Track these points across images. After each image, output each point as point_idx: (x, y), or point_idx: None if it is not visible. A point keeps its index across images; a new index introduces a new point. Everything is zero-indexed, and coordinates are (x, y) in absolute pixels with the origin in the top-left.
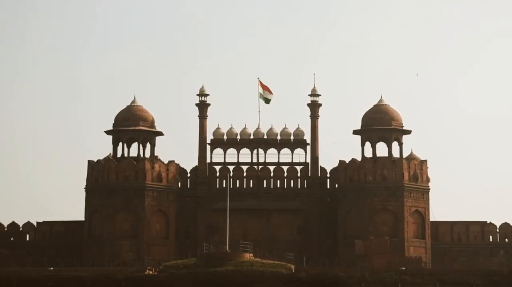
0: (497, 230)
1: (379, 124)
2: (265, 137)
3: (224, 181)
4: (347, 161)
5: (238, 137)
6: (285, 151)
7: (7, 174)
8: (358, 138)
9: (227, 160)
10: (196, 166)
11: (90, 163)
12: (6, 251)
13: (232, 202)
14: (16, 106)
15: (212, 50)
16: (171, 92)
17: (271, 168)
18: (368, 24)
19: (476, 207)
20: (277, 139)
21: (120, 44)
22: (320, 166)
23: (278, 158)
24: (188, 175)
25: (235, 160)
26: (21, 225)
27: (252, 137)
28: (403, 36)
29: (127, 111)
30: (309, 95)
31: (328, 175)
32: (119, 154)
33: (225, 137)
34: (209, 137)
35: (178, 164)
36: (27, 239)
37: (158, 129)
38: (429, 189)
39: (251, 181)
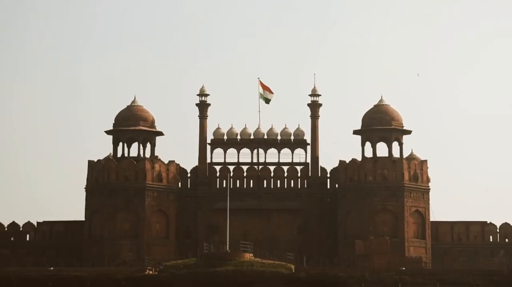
0: (497, 230)
1: (380, 124)
2: (265, 137)
3: (224, 181)
4: (347, 161)
5: (238, 137)
6: (285, 151)
7: (7, 174)
8: (358, 138)
9: (227, 160)
10: (197, 166)
11: (90, 163)
12: (6, 251)
13: (232, 202)
14: (16, 106)
15: (212, 50)
16: (171, 92)
17: (271, 168)
18: (368, 24)
19: (476, 207)
20: (277, 139)
21: (120, 44)
22: (320, 166)
23: (278, 158)
24: (188, 175)
25: (235, 160)
26: (21, 225)
27: (252, 137)
28: (403, 36)
29: (127, 111)
30: (309, 95)
31: (328, 175)
32: (119, 154)
33: (225, 137)
34: (209, 137)
35: (178, 164)
36: (27, 239)
37: (158, 129)
38: (429, 189)
39: (251, 181)
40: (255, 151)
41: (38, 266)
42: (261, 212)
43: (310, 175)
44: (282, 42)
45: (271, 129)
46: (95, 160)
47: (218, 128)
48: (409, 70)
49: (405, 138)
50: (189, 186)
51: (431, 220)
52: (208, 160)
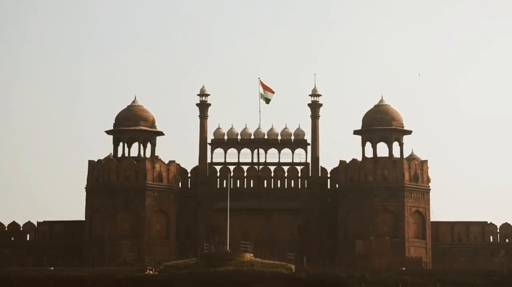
0: (498, 231)
1: (380, 124)
2: (266, 137)
3: (224, 181)
4: (347, 161)
5: (239, 137)
6: (286, 151)
7: (7, 174)
8: (358, 138)
9: (227, 160)
10: (197, 166)
11: (90, 163)
12: (7, 251)
13: (232, 202)
14: (16, 106)
15: (212, 50)
16: (171, 92)
17: (272, 168)
18: (368, 24)
19: (477, 208)
20: (278, 139)
21: (120, 44)
22: (321, 166)
23: (279, 158)
24: (189, 175)
25: (236, 160)
26: (21, 225)
27: (252, 137)
28: (403, 36)
29: (127, 111)
30: (309, 95)
31: (328, 175)
32: (119, 154)
33: (225, 137)
34: (210, 137)
35: (178, 164)
36: (28, 239)
37: (158, 129)
38: (430, 189)
39: (252, 181)
40: (256, 151)
41: (38, 266)
42: (262, 212)
43: (310, 175)
44: (282, 42)
45: (271, 129)
46: (96, 160)
47: (219, 128)
48: (409, 70)
49: (405, 138)
50: (189, 186)
51: (431, 220)
52: (209, 160)
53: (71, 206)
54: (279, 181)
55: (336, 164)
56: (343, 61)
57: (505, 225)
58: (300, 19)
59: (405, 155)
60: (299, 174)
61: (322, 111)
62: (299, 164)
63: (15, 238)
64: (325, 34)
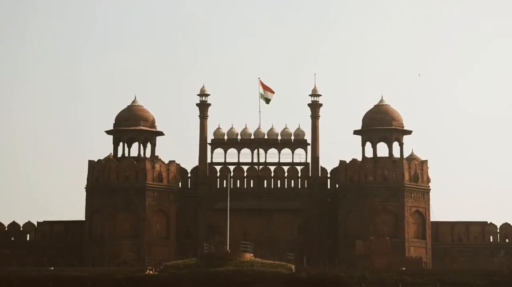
0: (498, 231)
1: (380, 124)
2: (266, 137)
3: (224, 181)
4: (347, 161)
5: (239, 137)
6: (286, 151)
7: (7, 174)
8: (358, 138)
9: (227, 160)
10: (197, 166)
11: (90, 163)
12: (7, 251)
13: (232, 202)
14: (16, 106)
15: (212, 50)
16: (171, 92)
17: (272, 168)
18: (368, 24)
19: (477, 208)
20: (278, 139)
21: (120, 44)
22: (321, 166)
23: (279, 158)
24: (189, 175)
25: (236, 160)
26: (21, 225)
27: (252, 137)
28: (403, 36)
29: (127, 111)
30: (309, 95)
31: (328, 175)
32: (119, 154)
33: (225, 137)
34: (210, 137)
35: (178, 164)
36: (28, 239)
37: (158, 129)
38: (430, 189)
39: (252, 181)
40: (256, 151)
41: (38, 266)
42: (262, 212)
43: (310, 175)
44: (282, 42)
45: (271, 129)
46: (96, 160)
47: (219, 128)
48: (409, 70)
49: (405, 138)
50: (189, 186)
51: (431, 220)
52: (209, 160)
53: (71, 206)
54: (279, 181)
55: (336, 164)
56: (343, 61)
57: (505, 225)
58: (300, 19)
59: (405, 155)
60: (299, 174)
61: (322, 111)
62: (299, 164)
63: (15, 238)
64: (325, 34)
